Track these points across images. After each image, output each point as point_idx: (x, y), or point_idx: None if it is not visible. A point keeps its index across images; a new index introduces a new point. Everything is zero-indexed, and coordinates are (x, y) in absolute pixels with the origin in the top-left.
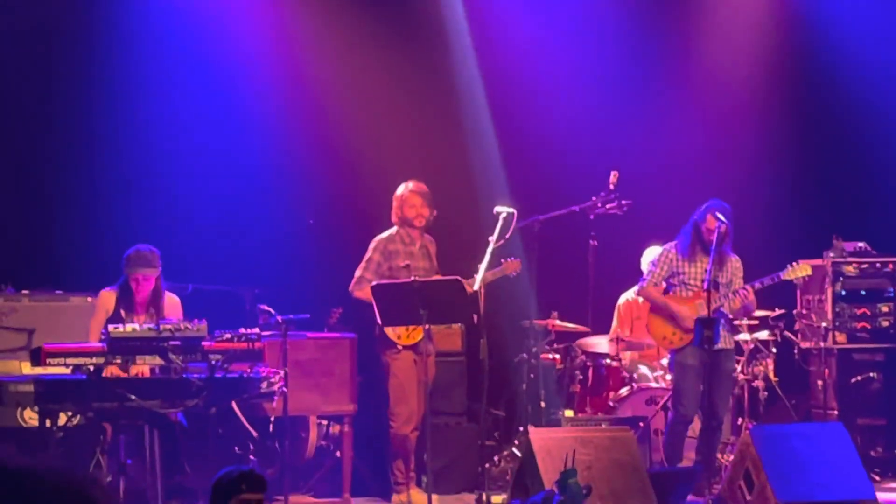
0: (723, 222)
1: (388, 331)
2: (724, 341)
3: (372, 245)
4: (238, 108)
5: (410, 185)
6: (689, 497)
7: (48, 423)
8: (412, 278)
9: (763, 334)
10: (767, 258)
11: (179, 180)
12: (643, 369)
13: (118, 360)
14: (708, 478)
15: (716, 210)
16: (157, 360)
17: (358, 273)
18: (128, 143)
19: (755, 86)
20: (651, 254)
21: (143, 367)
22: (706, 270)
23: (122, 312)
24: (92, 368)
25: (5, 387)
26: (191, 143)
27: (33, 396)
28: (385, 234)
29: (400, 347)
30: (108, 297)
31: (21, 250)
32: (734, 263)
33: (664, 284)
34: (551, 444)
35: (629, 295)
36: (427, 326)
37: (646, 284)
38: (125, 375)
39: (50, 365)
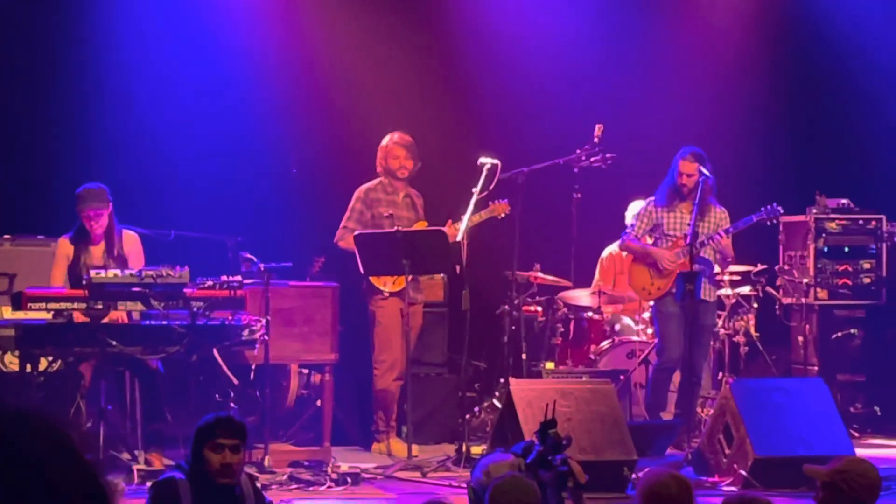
0: (707, 176)
1: (374, 279)
2: (706, 293)
3: (355, 195)
4: (222, 56)
5: (395, 136)
6: (669, 450)
7: (28, 367)
8: (395, 228)
9: (745, 289)
10: (751, 214)
11: (163, 127)
12: (625, 322)
13: (99, 306)
14: (687, 431)
15: (686, 155)
16: (139, 306)
17: (342, 223)
18: (111, 90)
19: (741, 41)
20: (635, 207)
21: (120, 313)
22: (688, 222)
23: (80, 254)
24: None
25: None
26: (175, 91)
27: (14, 341)
28: (368, 184)
29: (386, 294)
30: (65, 243)
31: (3, 195)
32: (719, 214)
33: (650, 239)
34: (532, 395)
35: (612, 248)
36: (410, 277)
37: (627, 238)
38: (86, 320)
39: (31, 310)
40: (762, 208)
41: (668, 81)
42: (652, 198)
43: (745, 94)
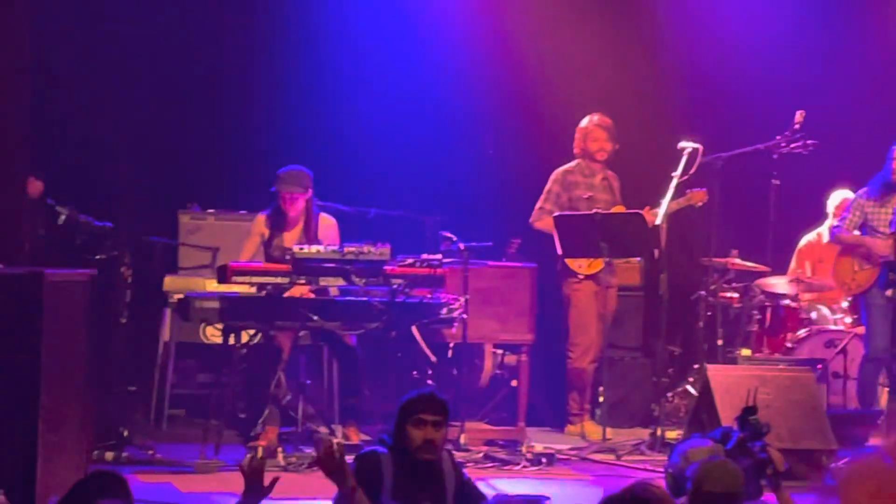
0: None
1: (570, 261)
2: None
3: (552, 177)
4: (424, 38)
5: (595, 117)
6: (871, 440)
7: (231, 339)
8: (594, 211)
9: None
10: None
11: (367, 108)
12: (823, 311)
13: (302, 280)
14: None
15: None
16: (340, 282)
17: (538, 205)
18: (316, 70)
19: None
20: (837, 197)
21: (304, 288)
22: (893, 212)
23: (273, 236)
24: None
25: (191, 303)
26: (379, 73)
27: (218, 313)
28: (565, 166)
29: (581, 277)
30: (261, 220)
31: (209, 171)
32: None
33: (857, 233)
34: (729, 381)
35: (811, 237)
36: (607, 260)
37: (840, 232)
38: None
39: (235, 283)
40: None
41: (875, 69)
42: (864, 188)
43: None
